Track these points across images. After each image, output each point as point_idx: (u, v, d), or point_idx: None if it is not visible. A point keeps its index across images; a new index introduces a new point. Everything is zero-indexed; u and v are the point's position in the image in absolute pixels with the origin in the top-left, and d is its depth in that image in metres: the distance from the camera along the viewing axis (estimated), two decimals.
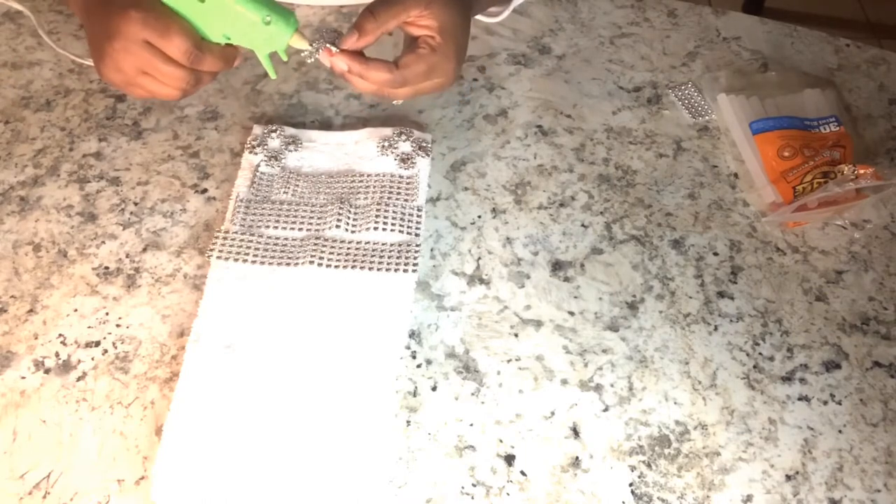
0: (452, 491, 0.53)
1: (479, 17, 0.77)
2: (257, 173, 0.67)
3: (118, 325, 0.60)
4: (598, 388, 0.58)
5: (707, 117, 0.74)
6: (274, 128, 0.70)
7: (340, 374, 0.56)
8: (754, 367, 0.59)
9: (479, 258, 0.64)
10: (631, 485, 0.53)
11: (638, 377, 0.58)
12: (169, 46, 0.57)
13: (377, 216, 0.64)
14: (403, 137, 0.69)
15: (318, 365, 0.56)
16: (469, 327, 0.60)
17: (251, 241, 0.62)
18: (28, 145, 0.71)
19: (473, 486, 0.53)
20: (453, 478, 0.53)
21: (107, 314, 0.60)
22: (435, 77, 0.62)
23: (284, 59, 0.61)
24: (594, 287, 0.63)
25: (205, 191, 0.68)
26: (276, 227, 0.64)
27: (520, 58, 0.79)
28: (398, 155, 0.68)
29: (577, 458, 0.54)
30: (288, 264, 0.61)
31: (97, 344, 0.59)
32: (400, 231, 0.63)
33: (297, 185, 0.66)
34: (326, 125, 0.73)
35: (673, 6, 0.85)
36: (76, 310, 0.60)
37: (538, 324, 0.61)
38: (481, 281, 0.63)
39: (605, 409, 0.57)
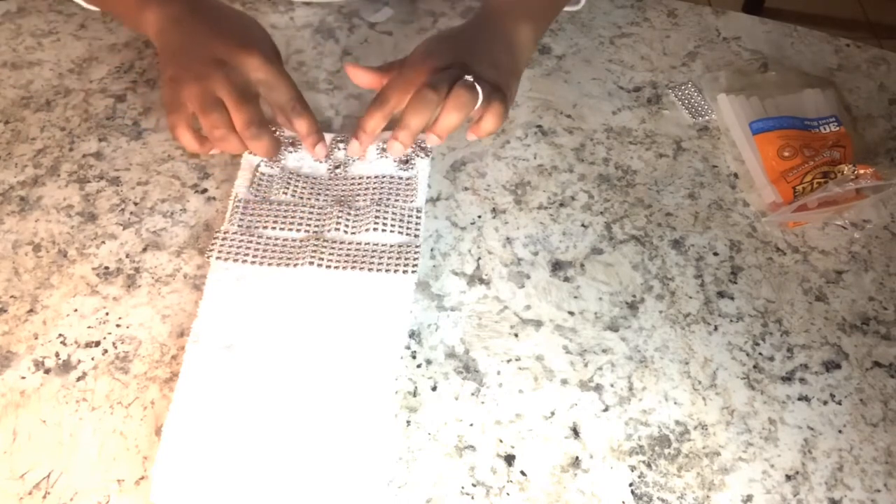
0: (452, 491, 0.53)
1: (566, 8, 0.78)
2: (257, 174, 0.67)
3: (118, 325, 0.60)
4: (598, 388, 0.58)
5: (707, 117, 0.74)
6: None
7: (340, 374, 0.56)
8: (754, 367, 0.59)
9: (479, 258, 0.64)
10: (631, 485, 0.53)
11: (638, 377, 0.58)
12: (251, 106, 0.61)
13: (377, 217, 0.64)
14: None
15: (318, 365, 0.56)
16: (469, 327, 0.60)
17: (250, 242, 0.62)
18: (28, 145, 0.71)
19: (473, 486, 0.53)
20: (453, 478, 0.53)
21: (107, 314, 0.60)
22: (443, 69, 0.63)
23: None
24: (594, 287, 0.63)
25: (205, 191, 0.68)
26: (275, 228, 0.64)
27: None
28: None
29: (577, 458, 0.54)
30: (287, 265, 0.61)
31: (97, 344, 0.59)
32: (399, 232, 0.63)
33: (297, 186, 0.66)
34: (326, 125, 0.73)
35: (673, 6, 0.85)
36: (76, 310, 0.60)
37: (538, 324, 0.61)
38: (481, 281, 0.63)
39: (605, 409, 0.57)
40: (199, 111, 0.60)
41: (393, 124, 0.73)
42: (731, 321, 0.61)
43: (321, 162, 0.68)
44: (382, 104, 0.63)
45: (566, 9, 0.78)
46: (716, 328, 0.61)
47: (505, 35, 0.68)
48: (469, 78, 0.61)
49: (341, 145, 0.69)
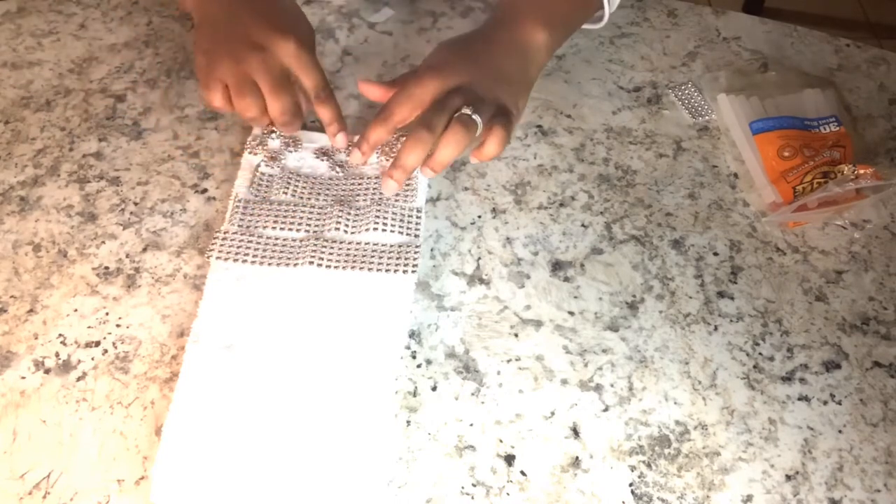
0: (452, 491, 0.53)
1: (586, 25, 0.76)
2: (257, 174, 0.67)
3: (118, 325, 0.60)
4: (598, 388, 0.58)
5: (707, 117, 0.75)
6: (274, 128, 0.70)
7: (340, 374, 0.56)
8: (754, 367, 0.59)
9: (479, 258, 0.64)
10: (631, 485, 0.53)
11: (638, 377, 0.58)
12: (286, 93, 0.63)
13: (377, 217, 0.64)
14: (403, 139, 0.69)
15: (318, 365, 0.56)
16: (469, 327, 0.60)
17: (250, 242, 0.62)
18: (28, 145, 0.71)
19: (473, 486, 0.53)
20: (453, 478, 0.53)
21: (107, 314, 0.60)
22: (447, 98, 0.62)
23: None
24: (594, 287, 0.63)
25: (205, 191, 0.68)
26: (275, 228, 0.64)
27: None
28: None
29: (577, 458, 0.54)
30: (287, 265, 0.61)
31: (97, 344, 0.59)
32: (399, 232, 0.63)
33: (297, 186, 0.66)
34: None
35: (673, 6, 0.85)
36: (76, 310, 0.60)
37: (538, 324, 0.61)
38: (481, 281, 0.63)
39: (605, 409, 0.57)
40: (234, 92, 0.62)
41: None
42: (731, 321, 0.61)
43: (340, 150, 0.69)
44: (386, 118, 0.63)
45: (587, 26, 0.77)
46: (716, 328, 0.61)
47: (516, 41, 0.67)
48: (467, 111, 0.61)
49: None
